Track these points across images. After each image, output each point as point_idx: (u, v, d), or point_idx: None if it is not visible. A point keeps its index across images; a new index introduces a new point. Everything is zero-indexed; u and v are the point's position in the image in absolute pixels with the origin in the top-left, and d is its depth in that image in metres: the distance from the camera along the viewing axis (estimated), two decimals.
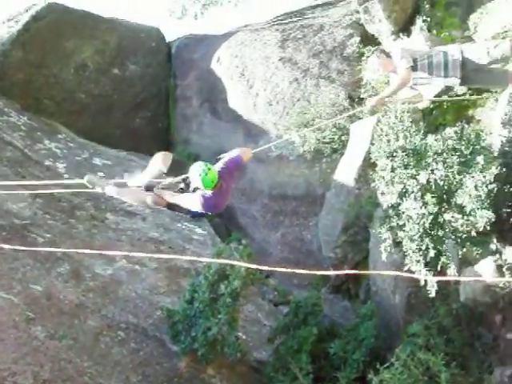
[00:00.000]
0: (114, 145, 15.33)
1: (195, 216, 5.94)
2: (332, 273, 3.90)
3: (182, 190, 5.70)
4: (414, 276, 5.41)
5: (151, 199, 5.69)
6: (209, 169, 5.19)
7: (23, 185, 8.98)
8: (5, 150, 11.24)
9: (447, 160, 5.46)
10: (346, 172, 10.02)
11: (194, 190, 5.53)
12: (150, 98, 17.76)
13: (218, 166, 5.61)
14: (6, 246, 6.87)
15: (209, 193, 5.30)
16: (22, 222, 9.03)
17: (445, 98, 9.10)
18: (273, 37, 14.43)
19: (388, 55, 6.81)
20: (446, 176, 5.40)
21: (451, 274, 5.67)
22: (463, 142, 5.55)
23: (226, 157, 5.87)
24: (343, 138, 11.13)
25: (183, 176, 5.61)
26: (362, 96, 11.85)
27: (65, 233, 9.49)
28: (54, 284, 7.93)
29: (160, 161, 5.89)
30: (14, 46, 14.60)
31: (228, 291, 7.22)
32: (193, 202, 5.45)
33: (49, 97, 15.33)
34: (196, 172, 5.19)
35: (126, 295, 8.56)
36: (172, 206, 5.74)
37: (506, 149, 6.05)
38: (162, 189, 5.71)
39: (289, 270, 3.64)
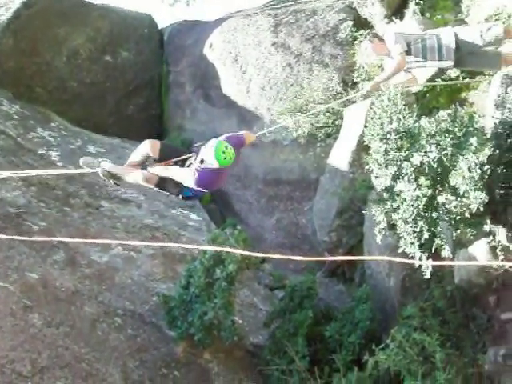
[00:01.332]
0: (108, 132, 15.32)
1: (186, 197, 5.85)
2: (327, 259, 3.92)
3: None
4: (408, 261, 5.43)
5: (142, 176, 5.64)
6: (226, 147, 5.21)
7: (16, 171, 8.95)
8: None
9: (441, 142, 5.47)
10: (339, 156, 10.04)
11: (189, 166, 5.53)
12: (142, 85, 17.71)
13: (223, 137, 5.56)
14: (2, 236, 6.87)
15: (207, 168, 5.27)
16: (17, 211, 9.01)
17: (438, 81, 9.10)
18: (265, 22, 14.36)
19: (381, 39, 6.79)
20: (440, 158, 5.41)
21: (445, 255, 5.69)
22: (456, 124, 5.55)
23: (229, 134, 5.84)
24: (337, 122, 11.14)
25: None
26: (355, 80, 11.84)
27: (60, 221, 9.48)
28: (50, 272, 7.93)
29: (148, 148, 5.86)
30: (5, 33, 14.46)
31: (223, 275, 7.24)
32: (186, 175, 5.40)
33: (41, 85, 15.26)
34: (216, 150, 5.17)
35: (122, 282, 8.58)
36: (162, 185, 5.67)
37: (499, 130, 6.06)
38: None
39: (284, 257, 3.65)
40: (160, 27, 19.32)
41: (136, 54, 17.69)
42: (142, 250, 9.38)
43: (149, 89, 17.85)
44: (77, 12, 16.30)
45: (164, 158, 5.79)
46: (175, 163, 5.71)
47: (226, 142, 5.28)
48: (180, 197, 5.74)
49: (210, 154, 5.17)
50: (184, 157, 5.78)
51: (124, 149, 14.01)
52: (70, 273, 8.18)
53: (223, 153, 5.15)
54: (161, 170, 5.64)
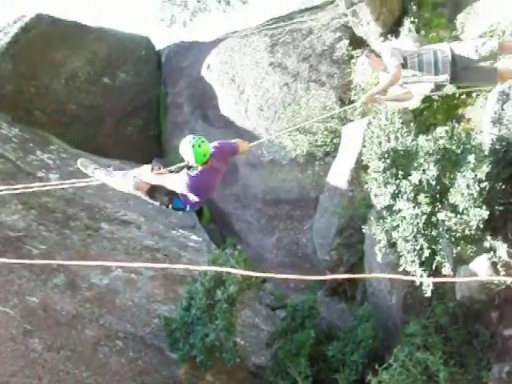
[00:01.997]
0: (107, 154, 15.29)
1: (176, 208, 5.74)
2: (328, 277, 3.89)
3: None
4: (409, 278, 5.42)
5: (133, 183, 5.58)
6: (202, 141, 5.02)
7: (15, 194, 8.93)
8: None
9: (439, 160, 5.49)
10: (338, 175, 10.06)
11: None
12: (140, 106, 17.78)
13: (212, 144, 5.39)
14: (1, 261, 6.84)
15: (196, 171, 5.16)
16: (17, 234, 9.00)
17: (435, 97, 9.16)
18: (262, 42, 14.48)
19: (377, 55, 6.83)
20: (438, 176, 5.43)
21: (446, 272, 5.68)
22: (454, 142, 5.58)
23: (222, 141, 5.74)
24: (335, 140, 11.19)
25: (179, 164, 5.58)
26: (352, 98, 11.90)
27: (60, 244, 9.46)
28: (51, 295, 7.91)
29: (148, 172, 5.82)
30: (4, 58, 14.56)
31: (224, 297, 7.22)
32: (177, 181, 5.27)
33: (40, 108, 15.30)
34: (188, 144, 5.01)
35: (123, 304, 8.55)
36: (152, 193, 5.60)
37: (497, 147, 6.09)
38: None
39: (285, 276, 3.63)
40: (157, 49, 19.48)
41: (134, 76, 17.79)
42: (142, 272, 9.35)
43: (147, 110, 17.93)
44: (74, 35, 16.42)
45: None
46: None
47: (196, 136, 5.11)
48: (170, 207, 5.61)
49: (189, 156, 5.05)
50: (178, 165, 5.70)
51: (123, 170, 14.02)
52: (71, 296, 8.15)
53: (199, 146, 4.98)
54: (153, 178, 5.58)
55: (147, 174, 5.55)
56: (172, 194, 5.48)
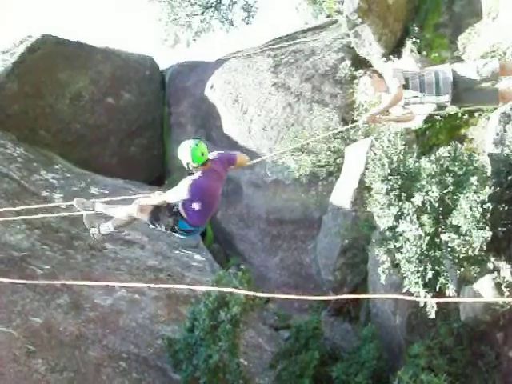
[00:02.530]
0: (111, 173, 15.36)
1: (182, 230, 5.68)
2: (331, 298, 3.88)
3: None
4: (413, 299, 5.41)
5: (136, 206, 5.59)
6: (198, 141, 5.25)
7: (19, 214, 8.96)
8: (1, 182, 11.26)
9: (441, 181, 5.51)
10: (342, 195, 10.07)
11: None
12: (144, 125, 17.90)
13: (211, 154, 5.54)
14: (5, 280, 6.84)
15: (198, 174, 5.26)
16: (21, 254, 9.02)
17: (437, 117, 9.19)
18: (265, 62, 14.59)
19: (380, 75, 6.88)
20: (441, 197, 5.44)
21: (450, 294, 5.68)
22: (457, 163, 5.60)
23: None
24: (338, 160, 11.21)
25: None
26: (355, 119, 11.95)
27: (63, 263, 9.46)
28: (54, 316, 7.90)
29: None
30: (10, 78, 14.72)
31: (228, 318, 7.21)
32: (179, 188, 5.32)
33: (45, 127, 15.42)
34: (184, 145, 5.23)
35: (127, 325, 8.53)
36: (156, 214, 5.57)
37: (499, 168, 6.10)
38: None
39: (288, 297, 3.64)
40: (161, 69, 19.64)
41: (138, 96, 17.93)
42: (145, 292, 9.34)
43: (151, 130, 18.04)
44: (79, 55, 16.62)
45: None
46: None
47: (192, 139, 5.35)
48: (175, 229, 5.58)
49: (187, 157, 5.21)
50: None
51: (127, 189, 14.07)
52: (74, 316, 8.14)
53: (196, 145, 5.19)
54: (155, 198, 5.62)
55: (132, 210, 5.62)
56: (176, 216, 5.49)
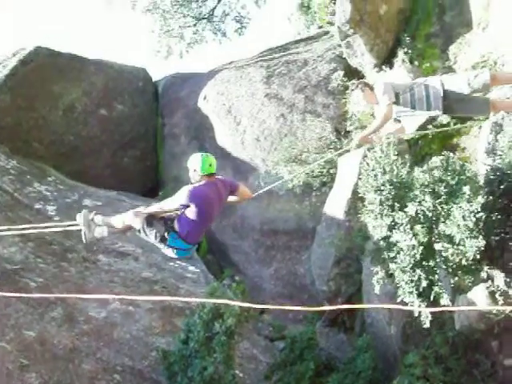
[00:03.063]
0: (104, 185, 15.32)
1: (170, 246, 5.67)
2: (326, 308, 3.86)
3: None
4: (408, 308, 5.42)
5: (131, 213, 5.59)
6: (209, 154, 5.53)
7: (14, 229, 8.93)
8: None
9: (434, 191, 5.54)
10: (335, 205, 10.09)
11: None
12: (138, 137, 17.89)
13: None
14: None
15: (200, 183, 5.40)
16: (14, 267, 8.96)
17: (430, 128, 9.23)
18: (258, 73, 14.65)
19: (372, 88, 6.92)
20: (434, 207, 5.47)
21: (444, 303, 5.69)
22: (449, 173, 5.63)
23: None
24: (331, 171, 11.24)
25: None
26: (348, 129, 12.01)
27: (57, 276, 9.41)
28: (48, 329, 7.85)
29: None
30: (2, 90, 14.70)
31: (223, 329, 7.20)
32: (179, 194, 5.35)
33: (38, 139, 15.39)
34: (196, 155, 5.47)
35: (121, 337, 8.48)
36: (150, 220, 5.55)
37: (491, 177, 6.14)
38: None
39: (283, 308, 3.64)
40: (154, 80, 19.67)
41: (131, 107, 17.94)
42: (140, 304, 9.30)
43: (144, 141, 18.03)
44: (72, 67, 16.63)
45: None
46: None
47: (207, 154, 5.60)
48: (166, 240, 5.55)
49: (197, 165, 5.40)
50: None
51: (120, 201, 14.05)
52: (68, 329, 8.08)
53: (207, 156, 5.45)
54: (155, 207, 5.66)
55: (127, 217, 5.66)
56: (169, 228, 5.48)
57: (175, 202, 5.43)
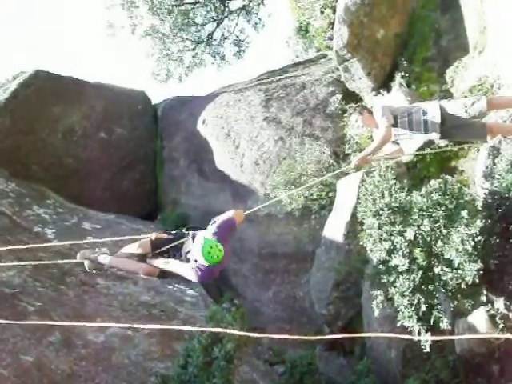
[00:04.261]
0: (103, 208, 15.33)
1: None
2: (325, 338, 3.82)
3: (174, 255, 5.69)
4: (407, 337, 5.38)
5: (143, 271, 5.66)
6: (211, 247, 5.07)
7: (11, 250, 8.92)
8: None
9: (433, 215, 5.55)
10: (334, 228, 10.09)
11: (187, 254, 5.52)
12: (137, 160, 17.97)
13: (212, 228, 5.45)
14: None
15: (205, 265, 5.16)
16: (12, 291, 8.91)
17: (428, 150, 9.29)
18: (256, 97, 14.76)
19: (370, 111, 6.98)
20: (433, 231, 5.48)
21: (444, 327, 5.67)
22: (447, 197, 5.65)
23: (219, 220, 5.67)
24: (330, 194, 11.26)
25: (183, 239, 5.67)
26: (346, 152, 12.06)
27: (55, 300, 9.36)
28: (45, 354, 7.77)
29: (137, 248, 5.89)
30: (2, 113, 14.79)
31: (222, 354, 7.14)
32: (188, 272, 5.34)
33: (37, 162, 15.44)
34: (203, 250, 5.04)
35: (119, 362, 8.40)
36: (165, 274, 5.67)
37: (489, 201, 6.16)
38: (155, 255, 5.73)
39: (283, 337, 3.61)
40: (153, 103, 19.82)
41: (130, 130, 18.05)
42: (138, 329, 9.23)
43: (143, 164, 18.11)
44: (72, 90, 16.76)
45: (157, 247, 5.82)
46: (173, 249, 5.72)
47: (211, 241, 5.13)
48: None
49: (199, 255, 5.07)
50: (178, 242, 5.78)
51: (119, 224, 14.04)
52: (66, 354, 8.01)
53: (209, 253, 5.00)
54: (161, 264, 5.65)
55: (139, 271, 5.67)
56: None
57: (185, 276, 5.46)
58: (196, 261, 5.19)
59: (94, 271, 5.95)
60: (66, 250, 10.59)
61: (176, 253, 5.72)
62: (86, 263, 5.91)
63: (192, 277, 5.31)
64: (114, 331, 8.91)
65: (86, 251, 6.04)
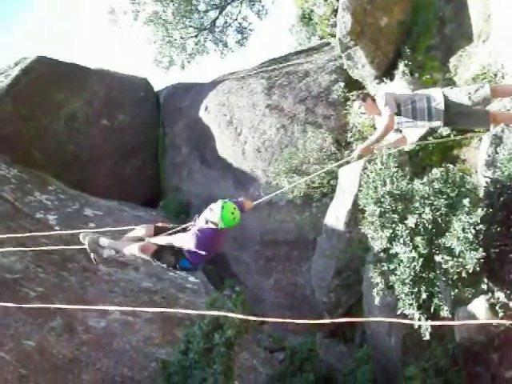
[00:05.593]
0: (105, 194, 15.36)
1: (183, 268, 5.84)
2: (326, 321, 3.81)
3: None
4: (408, 322, 5.39)
5: (138, 247, 5.69)
6: (235, 208, 5.29)
7: (14, 238, 8.95)
8: None
9: (434, 203, 5.54)
10: (336, 216, 10.08)
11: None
12: (139, 146, 17.96)
13: (227, 200, 5.57)
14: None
15: (206, 227, 5.33)
16: (14, 276, 8.96)
17: (430, 139, 9.25)
18: (259, 84, 14.70)
19: (373, 99, 6.95)
20: (434, 219, 5.46)
21: (444, 315, 5.67)
22: (449, 185, 5.63)
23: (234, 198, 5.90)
24: (332, 182, 11.25)
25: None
26: (348, 140, 12.03)
27: (57, 286, 9.41)
28: (47, 339, 7.83)
29: (144, 233, 5.94)
30: (4, 99, 14.79)
31: (222, 341, 7.18)
32: (187, 238, 5.46)
33: (39, 149, 15.44)
34: (226, 210, 5.22)
35: (121, 347, 8.46)
36: (159, 254, 5.70)
37: (491, 189, 6.13)
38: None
39: (283, 321, 3.64)
40: (156, 90, 19.77)
41: (132, 117, 18.02)
42: (140, 315, 9.27)
43: (145, 150, 18.09)
44: (74, 77, 16.74)
45: (160, 232, 5.89)
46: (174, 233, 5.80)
47: (234, 204, 5.36)
48: (177, 267, 5.72)
49: (216, 215, 5.21)
50: (182, 226, 5.86)
51: (121, 211, 14.06)
52: (68, 339, 8.06)
53: (232, 213, 5.22)
54: (160, 239, 5.71)
55: (134, 249, 5.70)
56: (178, 255, 5.59)
57: (183, 244, 5.55)
58: (207, 222, 5.33)
59: (92, 255, 5.95)
60: (67, 237, 10.59)
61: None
62: (87, 241, 5.94)
63: (190, 242, 5.34)
64: (115, 317, 8.96)
65: (88, 232, 6.09)
